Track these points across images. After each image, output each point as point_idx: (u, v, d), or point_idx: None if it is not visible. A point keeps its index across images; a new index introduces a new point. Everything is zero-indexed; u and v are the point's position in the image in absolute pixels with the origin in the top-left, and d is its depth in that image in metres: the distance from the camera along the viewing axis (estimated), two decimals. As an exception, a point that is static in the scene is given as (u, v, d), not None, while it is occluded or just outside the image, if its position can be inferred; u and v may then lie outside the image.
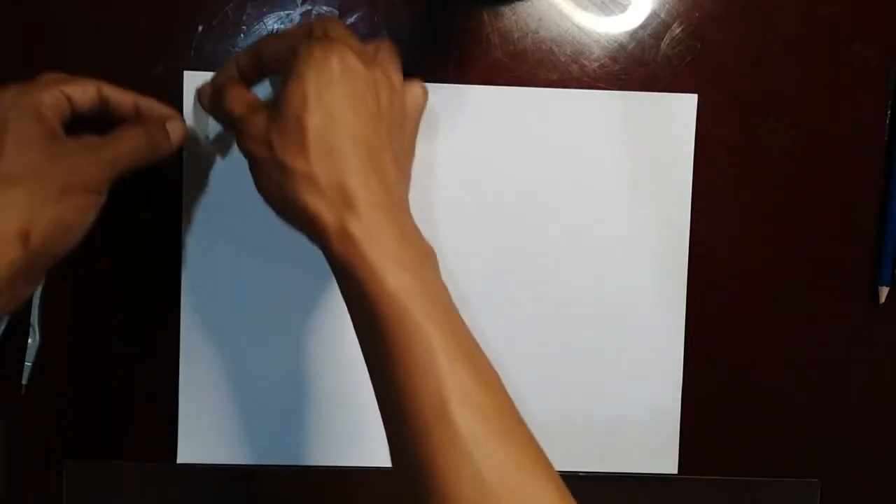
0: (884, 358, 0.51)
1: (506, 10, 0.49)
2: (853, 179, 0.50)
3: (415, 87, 0.43)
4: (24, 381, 0.50)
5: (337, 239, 0.36)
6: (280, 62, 0.40)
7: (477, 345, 0.36)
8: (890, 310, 0.51)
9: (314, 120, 0.37)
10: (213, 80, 0.46)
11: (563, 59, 0.49)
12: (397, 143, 0.40)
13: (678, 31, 0.50)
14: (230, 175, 0.49)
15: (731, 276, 0.51)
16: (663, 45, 0.50)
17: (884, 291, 0.50)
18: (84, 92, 0.42)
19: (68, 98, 0.41)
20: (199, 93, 0.46)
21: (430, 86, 0.49)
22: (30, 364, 0.49)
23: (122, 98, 0.43)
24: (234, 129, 0.41)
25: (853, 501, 0.52)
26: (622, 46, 0.49)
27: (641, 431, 0.51)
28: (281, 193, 0.38)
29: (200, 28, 0.48)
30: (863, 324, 0.51)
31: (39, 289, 0.49)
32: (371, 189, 0.37)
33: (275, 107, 0.38)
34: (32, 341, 0.49)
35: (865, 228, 0.51)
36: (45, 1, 0.48)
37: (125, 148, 0.41)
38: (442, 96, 0.49)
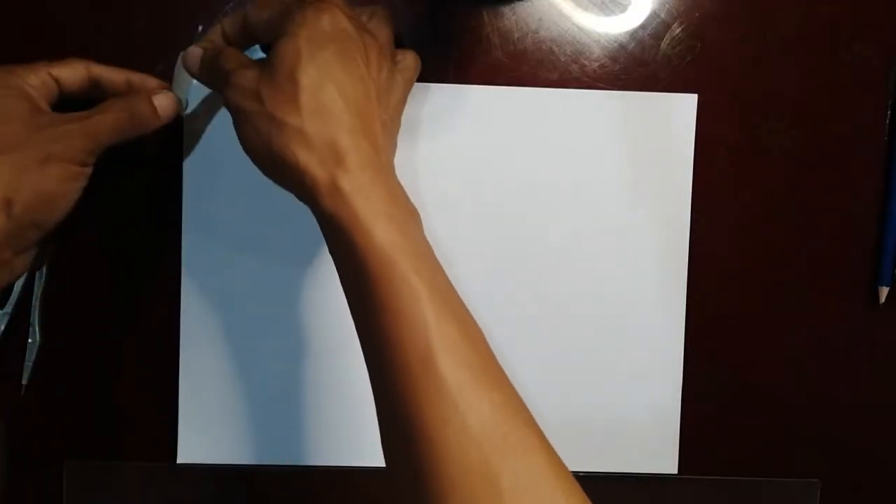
0: (884, 358, 0.51)
1: (506, 10, 0.49)
2: (853, 179, 0.50)
3: (406, 57, 0.43)
4: (24, 381, 0.50)
5: (327, 194, 0.36)
6: (268, 28, 0.40)
7: (462, 302, 0.36)
8: (890, 310, 0.51)
9: (307, 76, 0.37)
10: (197, 45, 0.44)
11: (563, 59, 0.49)
12: (384, 109, 0.40)
13: (678, 30, 0.50)
14: (231, 175, 0.49)
15: (731, 276, 0.51)
16: (663, 44, 0.50)
17: (884, 291, 0.50)
18: (73, 72, 0.43)
19: (56, 79, 0.42)
20: (185, 56, 0.44)
21: (430, 86, 0.49)
22: (30, 364, 0.49)
23: (112, 75, 0.44)
24: (222, 84, 0.40)
25: (853, 501, 0.52)
26: (622, 46, 0.49)
27: (641, 431, 0.51)
28: (269, 148, 0.38)
29: (200, 28, 0.48)
30: (863, 324, 0.51)
31: (40, 289, 0.49)
32: (361, 148, 0.37)
33: (266, 63, 0.38)
34: (32, 341, 0.49)
35: (865, 228, 0.51)
36: (45, 1, 0.48)
37: (109, 120, 0.42)
38: (442, 96, 0.49)
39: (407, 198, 0.39)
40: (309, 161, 0.37)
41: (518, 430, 0.33)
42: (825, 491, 0.52)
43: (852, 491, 0.52)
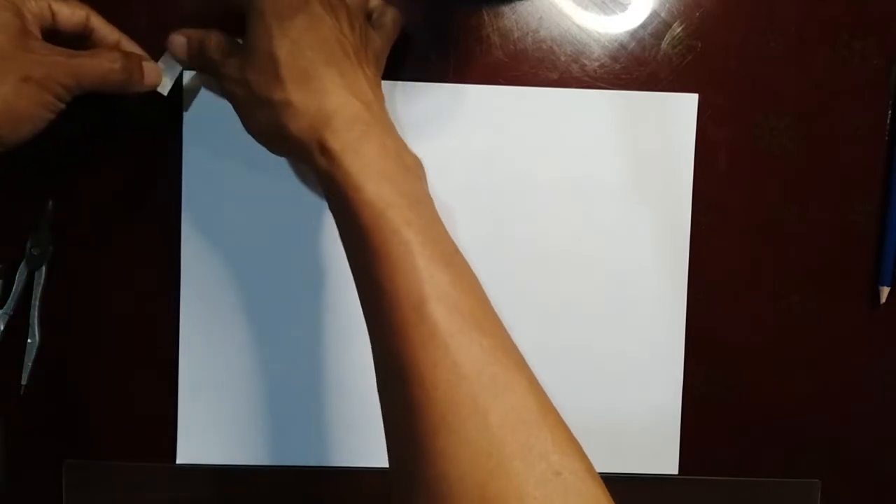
0: (884, 358, 0.51)
1: (506, 9, 0.49)
2: (853, 179, 0.50)
3: (385, 13, 0.45)
4: (23, 382, 0.49)
5: (319, 155, 0.38)
6: (236, 4, 0.41)
7: (457, 251, 0.37)
8: (890, 310, 0.51)
9: (282, 50, 0.38)
10: (180, 32, 0.45)
11: (563, 59, 0.49)
12: (366, 65, 0.41)
13: (678, 30, 0.49)
14: (231, 174, 0.49)
15: (732, 276, 0.51)
16: (664, 44, 0.50)
17: (884, 291, 0.50)
18: (72, 13, 0.43)
19: (53, 13, 0.43)
20: (170, 44, 0.45)
21: (430, 86, 0.49)
22: (30, 364, 0.49)
23: (108, 31, 0.45)
24: (213, 72, 0.42)
25: (853, 501, 0.52)
26: (622, 46, 0.49)
27: (642, 432, 0.51)
28: (266, 127, 0.40)
29: (200, 28, 0.48)
30: (863, 324, 0.51)
31: (39, 289, 0.49)
32: (349, 106, 0.38)
33: (244, 47, 0.40)
34: (32, 341, 0.49)
35: (865, 228, 0.51)
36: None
37: (98, 65, 0.42)
38: (442, 96, 0.49)
39: (402, 149, 0.39)
40: (300, 129, 0.38)
41: (507, 372, 0.34)
42: (825, 491, 0.52)
43: (852, 491, 0.52)
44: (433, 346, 0.33)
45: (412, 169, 0.39)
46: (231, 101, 0.42)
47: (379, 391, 0.36)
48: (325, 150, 0.38)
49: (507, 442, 0.32)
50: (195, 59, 0.44)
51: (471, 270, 0.37)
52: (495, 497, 0.31)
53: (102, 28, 0.45)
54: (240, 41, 0.41)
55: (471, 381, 0.33)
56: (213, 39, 0.43)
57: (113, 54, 0.43)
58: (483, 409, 0.32)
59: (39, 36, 0.42)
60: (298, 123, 0.39)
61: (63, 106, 0.42)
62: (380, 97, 0.41)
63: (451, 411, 0.32)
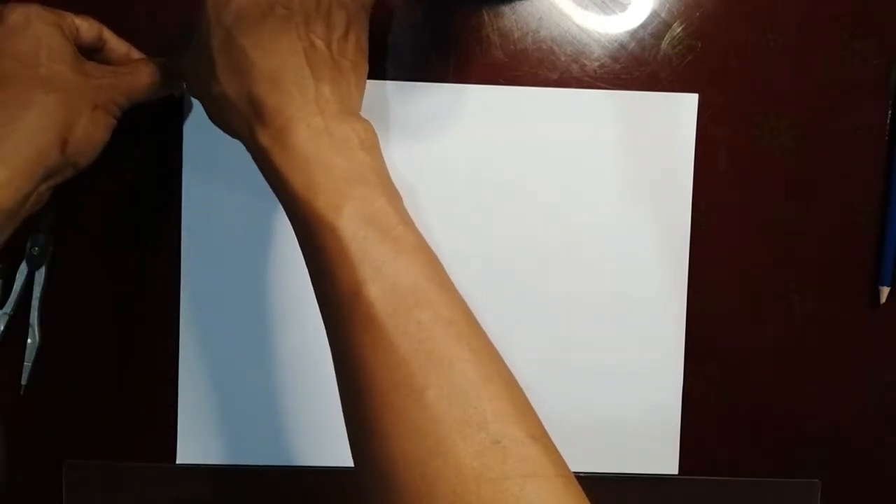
0: (884, 358, 0.51)
1: (506, 9, 0.49)
2: (853, 179, 0.50)
3: None
4: (23, 382, 0.50)
5: (252, 149, 0.38)
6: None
7: (401, 222, 0.36)
8: (890, 310, 0.51)
9: (216, 41, 0.38)
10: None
11: (563, 59, 0.49)
12: (322, 35, 0.39)
13: (678, 30, 0.49)
14: (231, 175, 0.49)
15: (732, 276, 0.51)
16: (664, 44, 0.50)
17: (884, 291, 0.50)
18: (90, 27, 0.44)
19: (77, 27, 0.44)
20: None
21: (430, 86, 0.49)
22: (30, 364, 0.49)
23: (118, 44, 0.46)
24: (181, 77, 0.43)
25: (853, 501, 0.52)
26: (622, 46, 0.49)
27: (642, 432, 0.51)
28: (219, 120, 0.40)
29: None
30: (863, 324, 0.51)
31: (39, 289, 0.49)
32: (279, 92, 0.37)
33: (192, 43, 0.40)
34: (32, 341, 0.49)
35: (866, 228, 0.51)
36: (44, 1, 0.48)
37: (143, 79, 0.44)
38: (442, 96, 0.49)
39: (334, 123, 0.37)
40: (236, 122, 0.38)
41: (445, 345, 0.33)
42: (825, 491, 0.52)
43: (852, 491, 0.52)
44: (371, 329, 0.33)
45: (349, 140, 0.37)
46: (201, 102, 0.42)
47: (335, 375, 0.36)
48: (255, 144, 0.37)
49: (443, 418, 0.32)
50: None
51: (415, 239, 0.36)
52: (435, 474, 0.31)
53: (112, 39, 0.45)
54: None
55: (407, 362, 0.33)
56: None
57: (150, 67, 0.44)
58: (420, 387, 0.32)
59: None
60: (234, 116, 0.38)
61: (116, 124, 0.43)
62: (338, 73, 0.39)
63: (390, 393, 0.33)
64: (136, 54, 0.46)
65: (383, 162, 0.38)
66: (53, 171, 0.41)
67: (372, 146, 0.38)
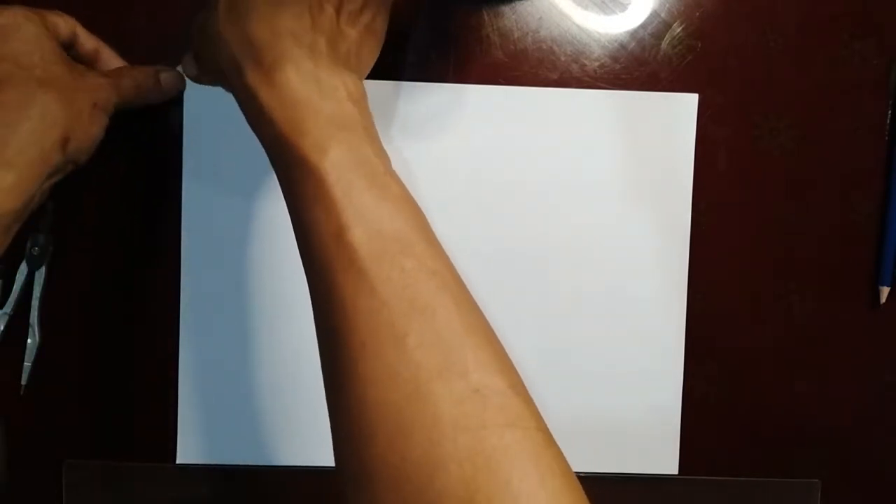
0: (884, 358, 0.51)
1: (506, 9, 0.49)
2: (853, 179, 0.50)
3: None
4: (23, 382, 0.50)
5: (239, 90, 0.37)
6: None
7: (387, 172, 0.36)
8: (890, 310, 0.51)
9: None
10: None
11: (563, 59, 0.49)
12: (334, 3, 0.38)
13: (678, 30, 0.49)
14: (231, 176, 0.49)
15: (731, 277, 0.51)
16: (664, 44, 0.50)
17: (884, 291, 0.50)
18: (65, 24, 0.44)
19: (55, 25, 0.44)
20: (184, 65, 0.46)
21: (430, 86, 0.49)
22: (30, 364, 0.49)
23: (87, 41, 0.46)
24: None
25: (853, 501, 0.52)
26: (622, 46, 0.49)
27: (642, 432, 0.51)
28: (209, 63, 0.40)
29: (200, 28, 0.48)
30: (863, 324, 0.51)
31: (39, 289, 0.49)
32: (274, 34, 0.36)
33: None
34: (32, 341, 0.49)
35: (865, 228, 0.51)
36: (44, 1, 0.48)
37: (128, 84, 0.45)
38: (442, 96, 0.49)
39: (324, 71, 0.37)
40: (227, 63, 0.37)
41: (429, 293, 0.33)
42: (825, 491, 0.52)
43: (852, 491, 0.52)
44: (353, 273, 0.33)
45: (336, 89, 0.37)
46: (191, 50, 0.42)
47: (314, 321, 0.36)
48: (242, 84, 0.37)
49: (424, 364, 0.31)
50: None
51: (399, 188, 0.36)
52: (411, 420, 0.30)
53: (83, 35, 0.46)
54: None
55: (390, 308, 0.32)
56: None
57: (133, 72, 0.45)
58: (401, 332, 0.32)
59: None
60: (222, 56, 0.37)
61: (108, 123, 0.43)
62: (323, 32, 0.38)
63: (370, 337, 0.32)
64: (106, 51, 0.46)
65: (371, 117, 0.38)
66: (56, 170, 0.41)
67: (359, 100, 0.38)
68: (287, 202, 0.37)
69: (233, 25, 0.37)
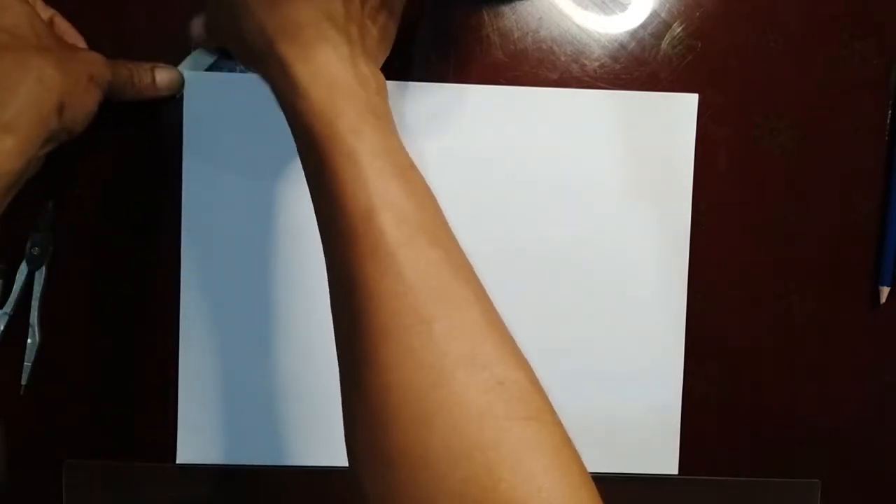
0: (884, 358, 0.51)
1: (506, 9, 0.49)
2: (853, 179, 0.50)
3: None
4: (23, 382, 0.49)
5: (267, 60, 0.37)
6: None
7: (412, 165, 0.36)
8: (890, 310, 0.51)
9: None
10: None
11: (563, 59, 0.49)
12: None
13: (678, 30, 0.49)
14: (231, 175, 0.49)
15: (732, 277, 0.51)
16: (664, 44, 0.50)
17: (884, 291, 0.50)
18: (44, 8, 0.45)
19: (55, 25, 0.45)
20: (191, 27, 0.46)
21: (430, 86, 0.49)
22: (30, 364, 0.49)
23: (66, 27, 0.46)
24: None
25: (853, 501, 0.52)
26: (622, 46, 0.49)
27: (642, 432, 0.51)
28: (229, 29, 0.39)
29: (200, 28, 0.48)
30: (863, 324, 0.51)
31: (39, 289, 0.49)
32: (311, 8, 0.36)
33: None
34: (32, 341, 0.49)
35: (865, 228, 0.51)
36: (44, 1, 0.48)
37: (129, 70, 0.45)
38: (442, 96, 0.49)
39: (359, 58, 0.37)
40: (252, 30, 0.37)
41: (454, 284, 0.33)
42: (825, 491, 0.52)
43: (852, 491, 0.52)
44: (379, 256, 0.33)
45: (368, 79, 0.37)
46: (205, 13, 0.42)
47: (331, 304, 0.36)
48: (273, 56, 0.36)
49: (449, 352, 0.31)
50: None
51: (425, 184, 0.36)
52: (436, 406, 0.30)
53: (62, 24, 0.46)
54: None
55: (416, 292, 0.32)
56: None
57: (127, 67, 0.45)
58: (427, 319, 0.32)
59: None
60: (248, 23, 0.37)
61: (102, 100, 0.43)
62: (354, 21, 0.38)
63: (394, 321, 0.32)
64: (80, 41, 0.46)
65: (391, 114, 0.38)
66: (52, 136, 0.41)
67: (386, 95, 0.38)
68: (311, 182, 0.36)
69: None
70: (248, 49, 0.38)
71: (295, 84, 0.36)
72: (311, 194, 0.37)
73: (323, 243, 0.36)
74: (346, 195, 0.34)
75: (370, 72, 0.38)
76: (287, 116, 0.37)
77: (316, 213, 0.36)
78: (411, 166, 0.36)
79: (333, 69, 0.36)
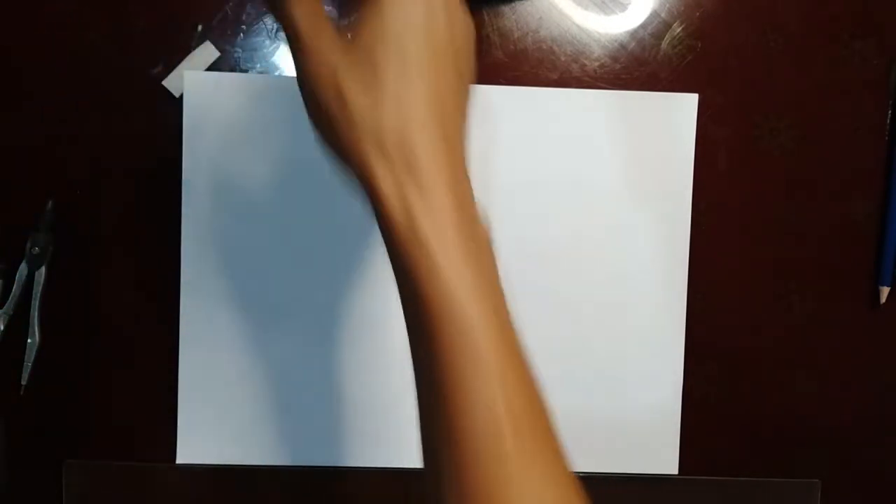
0: (884, 358, 0.51)
1: (506, 9, 0.49)
2: (853, 179, 0.50)
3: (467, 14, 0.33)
4: (23, 382, 0.49)
5: (398, 214, 0.30)
6: None
7: (523, 345, 0.33)
8: (890, 310, 0.51)
9: (387, 56, 0.30)
10: None
11: (563, 59, 0.49)
12: (460, 77, 0.32)
13: (678, 30, 0.49)
14: (231, 176, 0.49)
15: (732, 277, 0.51)
16: (664, 44, 0.50)
17: (884, 291, 0.50)
18: None
19: None
20: None
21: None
22: (30, 364, 0.49)
23: None
24: (293, 41, 0.31)
25: (853, 501, 0.52)
26: (622, 46, 0.49)
27: (642, 432, 0.51)
28: (337, 134, 0.31)
29: (200, 27, 0.48)
30: (863, 324, 0.51)
31: (39, 289, 0.49)
32: (435, 146, 0.30)
33: (349, 29, 0.31)
34: (32, 341, 0.49)
35: (866, 228, 0.51)
36: (44, 1, 0.48)
37: None
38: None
39: (476, 210, 0.31)
40: (376, 162, 0.30)
41: (557, 489, 0.31)
42: (825, 491, 0.52)
43: (852, 491, 0.52)
44: (508, 488, 0.29)
45: (485, 241, 0.31)
46: (304, 83, 0.32)
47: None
48: (404, 213, 0.29)
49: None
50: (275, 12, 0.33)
51: (532, 370, 0.32)
52: None
53: None
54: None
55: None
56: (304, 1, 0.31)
57: None
58: None
59: None
60: (375, 152, 0.30)
61: None
62: (464, 122, 0.32)
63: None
64: None
65: None
66: None
67: (491, 245, 0.32)
68: (418, 354, 0.31)
69: (394, 118, 0.30)
70: (364, 178, 0.31)
71: (415, 236, 0.29)
72: (417, 377, 0.32)
73: (422, 423, 0.32)
74: (472, 406, 0.30)
75: (482, 226, 0.32)
76: (392, 259, 0.31)
77: (419, 393, 0.32)
78: (523, 348, 0.33)
79: (457, 221, 0.30)
